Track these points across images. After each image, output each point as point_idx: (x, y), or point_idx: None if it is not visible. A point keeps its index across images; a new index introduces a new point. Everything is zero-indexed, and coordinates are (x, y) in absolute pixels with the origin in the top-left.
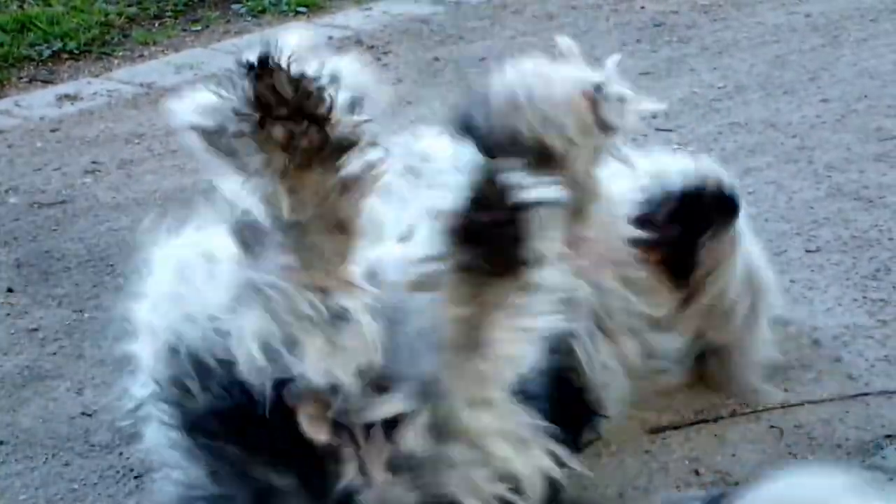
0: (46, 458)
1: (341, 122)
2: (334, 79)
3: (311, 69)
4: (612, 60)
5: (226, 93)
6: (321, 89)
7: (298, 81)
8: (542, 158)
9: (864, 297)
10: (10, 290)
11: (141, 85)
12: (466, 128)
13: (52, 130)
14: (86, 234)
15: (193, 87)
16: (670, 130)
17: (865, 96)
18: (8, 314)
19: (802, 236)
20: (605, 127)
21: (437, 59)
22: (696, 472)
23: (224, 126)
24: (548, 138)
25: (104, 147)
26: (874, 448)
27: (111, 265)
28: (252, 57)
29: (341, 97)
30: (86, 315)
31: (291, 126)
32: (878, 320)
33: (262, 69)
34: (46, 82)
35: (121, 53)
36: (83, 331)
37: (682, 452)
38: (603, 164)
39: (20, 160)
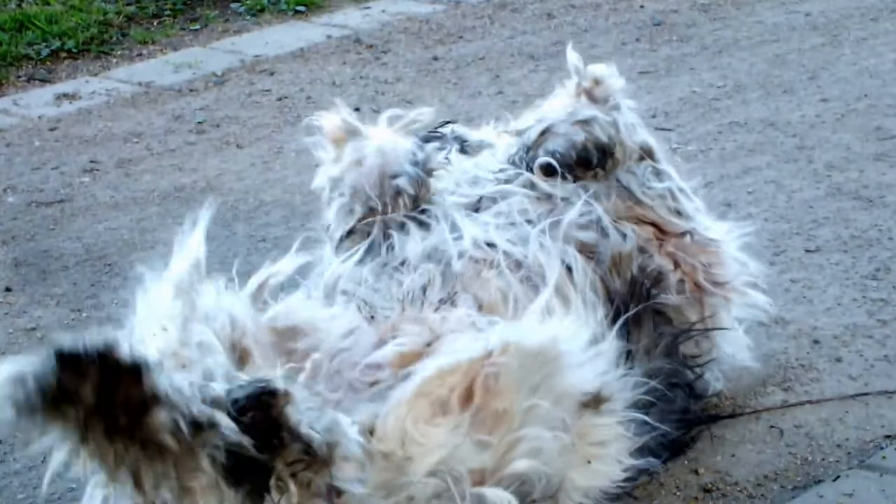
0: (45, 458)
1: None
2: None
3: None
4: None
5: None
6: (134, 380)
7: (107, 378)
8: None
9: (864, 297)
10: (8, 290)
11: (139, 84)
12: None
13: (51, 129)
14: (84, 233)
15: (192, 84)
16: (670, 130)
17: (865, 95)
18: (6, 313)
19: (802, 236)
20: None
21: (436, 58)
22: (696, 472)
23: (29, 401)
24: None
25: (102, 146)
26: (874, 448)
27: (109, 264)
28: (60, 345)
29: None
30: (84, 314)
31: (87, 416)
32: (877, 320)
33: (68, 362)
34: (45, 81)
35: (119, 52)
36: (81, 330)
37: (683, 452)
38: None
39: (18, 159)
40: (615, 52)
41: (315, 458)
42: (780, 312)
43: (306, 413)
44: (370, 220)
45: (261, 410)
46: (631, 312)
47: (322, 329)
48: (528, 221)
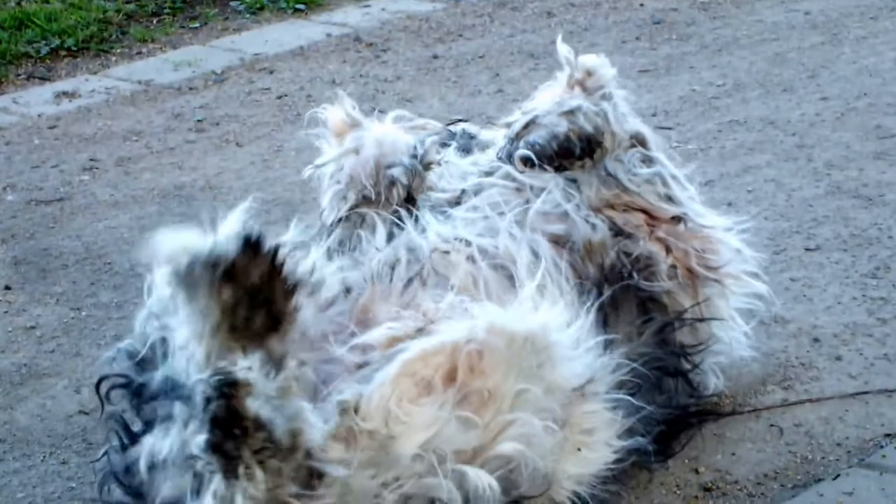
0: (44, 457)
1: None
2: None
3: (292, 267)
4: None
5: (213, 245)
6: (289, 292)
7: (272, 275)
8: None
9: (864, 296)
10: (7, 288)
11: (139, 82)
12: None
13: (50, 128)
14: (84, 231)
15: (192, 82)
16: (670, 128)
17: (865, 94)
18: (6, 312)
19: (802, 234)
20: None
21: (435, 56)
22: (696, 471)
23: (193, 269)
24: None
25: (102, 144)
26: (874, 447)
27: (109, 263)
28: (247, 233)
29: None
30: (84, 313)
31: (241, 298)
32: (877, 319)
33: (249, 246)
34: (44, 79)
35: (119, 51)
36: (81, 329)
37: (682, 451)
38: None
39: (18, 157)
40: (615, 51)
41: (279, 446)
42: (780, 311)
43: (267, 402)
44: (363, 209)
45: (222, 400)
46: (605, 297)
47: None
48: (500, 214)
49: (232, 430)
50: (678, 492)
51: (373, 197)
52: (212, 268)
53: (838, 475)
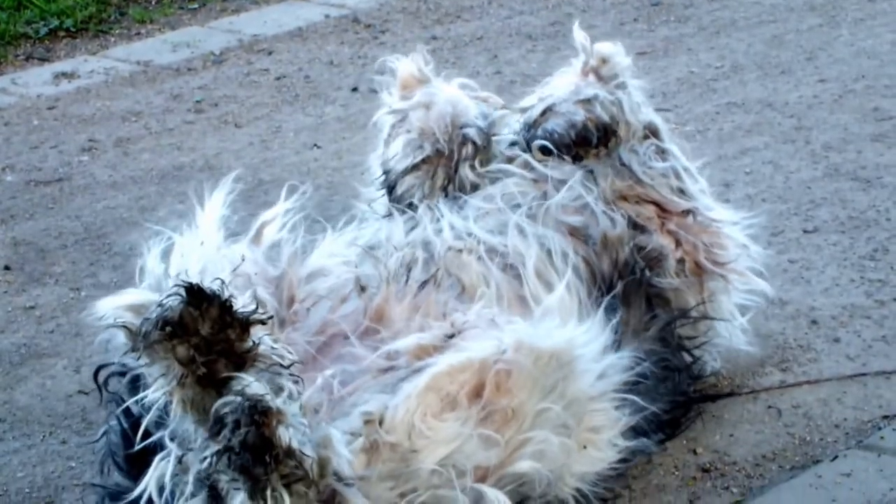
0: (44, 436)
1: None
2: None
3: (241, 308)
4: None
5: (160, 303)
6: (243, 331)
7: (222, 321)
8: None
9: (862, 278)
10: (7, 268)
11: (138, 63)
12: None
13: (49, 108)
14: (83, 212)
15: (190, 63)
16: (668, 110)
17: (863, 76)
18: (5, 292)
19: (800, 216)
20: None
21: (434, 37)
22: (694, 452)
23: (147, 330)
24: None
25: (101, 125)
26: (872, 428)
27: (108, 243)
28: (191, 281)
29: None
30: (83, 293)
31: (196, 352)
32: (875, 301)
33: (194, 296)
34: (43, 60)
35: (118, 31)
36: (80, 309)
37: (681, 432)
38: None
39: (17, 138)
40: (613, 33)
41: (308, 474)
42: (777, 293)
43: (298, 431)
44: (435, 162)
45: (253, 428)
46: (615, 291)
47: (320, 288)
48: (516, 206)
49: (263, 456)
50: (676, 473)
51: (445, 151)
52: (161, 327)
53: (836, 457)
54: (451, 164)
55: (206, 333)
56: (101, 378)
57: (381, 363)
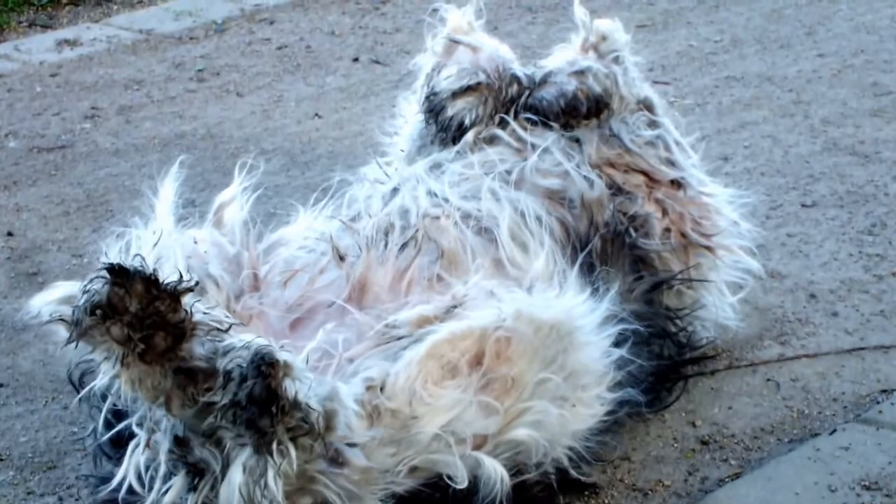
0: (46, 401)
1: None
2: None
3: (167, 280)
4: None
5: (85, 288)
6: (173, 302)
7: (150, 294)
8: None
9: (860, 252)
10: (9, 234)
11: (140, 31)
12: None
13: (52, 75)
14: (85, 179)
15: (192, 32)
16: (667, 83)
17: (862, 51)
18: (8, 258)
19: (798, 190)
20: None
21: (435, 9)
22: (693, 424)
23: (79, 318)
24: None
25: (103, 93)
26: (870, 402)
27: (110, 210)
28: (111, 262)
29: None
30: (85, 259)
31: (130, 330)
32: (873, 275)
33: (117, 276)
34: (46, 27)
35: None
36: (83, 275)
37: (679, 404)
38: None
39: (20, 105)
40: (613, 6)
41: (314, 427)
42: (776, 267)
43: (304, 384)
44: (485, 91)
45: (259, 379)
46: (592, 247)
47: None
48: (488, 174)
49: (269, 408)
50: (675, 445)
51: (495, 85)
52: (91, 312)
53: (835, 430)
54: (500, 97)
55: (136, 310)
56: (75, 378)
57: (381, 330)
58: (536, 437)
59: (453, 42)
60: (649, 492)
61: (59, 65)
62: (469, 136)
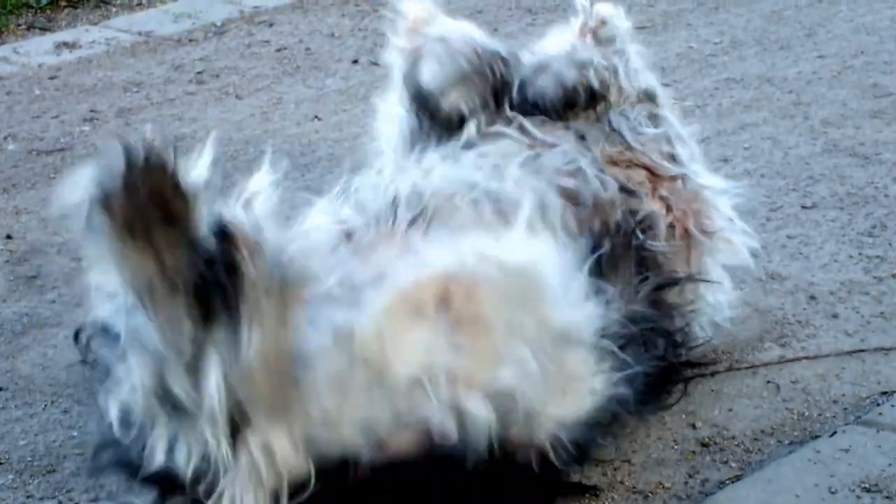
0: (46, 405)
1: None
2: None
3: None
4: None
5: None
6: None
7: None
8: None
9: (860, 254)
10: (9, 237)
11: (139, 33)
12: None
13: (51, 78)
14: None
15: (192, 34)
16: (667, 85)
17: (862, 52)
18: (7, 261)
19: (798, 192)
20: None
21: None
22: (693, 426)
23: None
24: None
25: (102, 95)
26: (870, 404)
27: None
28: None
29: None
30: (84, 263)
31: (136, 210)
32: (873, 277)
33: (134, 165)
34: (45, 30)
35: (119, 2)
36: (82, 279)
37: (679, 406)
38: None
39: (18, 107)
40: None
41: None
42: (776, 268)
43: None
44: (473, 77)
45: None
46: (602, 251)
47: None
48: (509, 160)
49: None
50: (675, 447)
51: (479, 68)
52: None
53: (835, 432)
54: (489, 79)
55: (145, 194)
56: (82, 341)
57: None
58: (520, 388)
59: (418, 35)
60: (649, 494)
61: (58, 67)
62: (471, 126)
